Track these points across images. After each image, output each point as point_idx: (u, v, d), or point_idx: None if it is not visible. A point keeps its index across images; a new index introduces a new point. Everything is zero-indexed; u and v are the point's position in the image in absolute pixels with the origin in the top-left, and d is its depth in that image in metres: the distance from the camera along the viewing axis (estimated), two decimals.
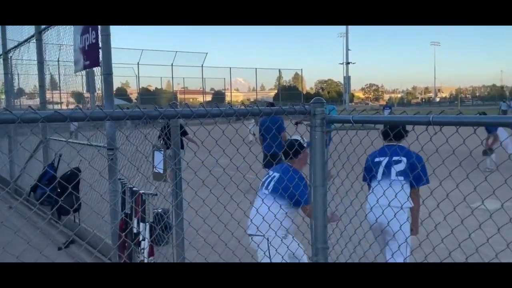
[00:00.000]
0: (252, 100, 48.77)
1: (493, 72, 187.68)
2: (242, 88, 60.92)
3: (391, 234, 3.17)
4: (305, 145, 3.37)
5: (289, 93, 52.57)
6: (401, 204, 3.12)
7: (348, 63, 39.47)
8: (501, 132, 9.67)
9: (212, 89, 54.07)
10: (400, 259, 3.25)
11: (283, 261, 3.03)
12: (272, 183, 3.31)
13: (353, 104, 76.57)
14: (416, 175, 3.40)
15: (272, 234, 2.95)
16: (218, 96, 50.21)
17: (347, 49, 39.88)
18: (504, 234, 2.07)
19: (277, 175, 3.34)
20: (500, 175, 1.83)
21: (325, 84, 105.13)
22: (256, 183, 3.61)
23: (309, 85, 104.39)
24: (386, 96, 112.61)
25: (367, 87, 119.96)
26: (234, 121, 3.11)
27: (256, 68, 47.56)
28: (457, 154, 2.05)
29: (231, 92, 50.17)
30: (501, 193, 2.17)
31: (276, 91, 54.31)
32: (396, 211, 2.79)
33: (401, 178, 3.45)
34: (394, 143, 3.65)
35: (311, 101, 2.57)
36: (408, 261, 3.32)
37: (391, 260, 3.28)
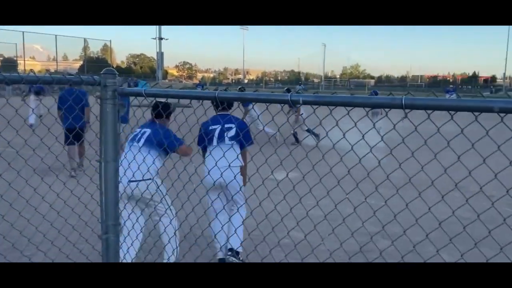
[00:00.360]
0: (52, 70, 43.36)
1: (292, 59, 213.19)
2: (40, 57, 53.35)
3: (229, 188, 3.85)
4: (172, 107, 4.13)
5: (96, 65, 48.51)
6: (235, 164, 3.69)
7: (161, 38, 38.84)
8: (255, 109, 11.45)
9: (0, 55, 45.93)
10: (241, 208, 3.96)
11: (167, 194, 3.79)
12: (145, 136, 3.88)
13: (167, 81, 76.36)
14: (243, 139, 4.04)
15: (156, 177, 3.72)
16: (9, 64, 42.86)
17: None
18: (290, 200, 2.36)
19: (148, 130, 3.93)
20: (287, 148, 2.07)
21: (137, 59, 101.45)
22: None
23: (120, 58, 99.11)
24: (200, 75, 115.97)
25: (181, 65, 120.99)
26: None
27: (56, 35, 42.37)
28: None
29: (24, 60, 43.53)
30: (288, 164, 2.47)
31: (81, 62, 49.66)
32: (232, 170, 3.38)
33: (233, 142, 4.04)
34: (224, 113, 4.25)
35: (102, 72, 2.43)
36: (245, 207, 4.03)
37: (234, 209, 3.97)
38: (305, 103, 2.01)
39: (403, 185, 1.96)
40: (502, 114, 1.64)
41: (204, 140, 4.11)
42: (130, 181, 3.52)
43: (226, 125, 4.12)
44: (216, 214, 3.73)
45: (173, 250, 3.77)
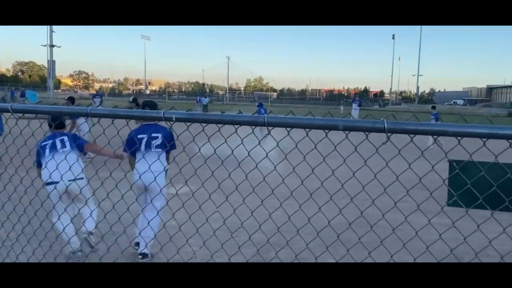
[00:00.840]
0: None
1: (197, 70, 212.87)
2: None
3: (154, 190, 4.36)
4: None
5: None
6: (160, 169, 4.37)
7: (52, 46, 36.13)
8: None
9: None
10: (160, 204, 4.42)
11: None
12: (67, 142, 4.64)
13: (60, 91, 70.99)
14: (169, 145, 4.57)
15: (82, 174, 4.54)
16: None
17: (51, 31, 36.48)
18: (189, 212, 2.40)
19: (65, 137, 4.69)
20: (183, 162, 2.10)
21: (25, 67, 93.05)
22: None
23: (5, 65, 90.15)
24: (97, 85, 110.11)
25: (76, 74, 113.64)
26: None
27: None
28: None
29: None
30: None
31: None
32: (157, 174, 3.94)
33: (159, 149, 4.62)
34: (151, 123, 4.72)
35: None
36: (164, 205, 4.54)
37: (152, 208, 4.36)
38: (178, 120, 2.09)
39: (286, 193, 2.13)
40: (346, 132, 1.90)
41: (132, 147, 4.61)
42: (70, 180, 4.25)
43: (153, 135, 4.67)
44: (142, 209, 4.42)
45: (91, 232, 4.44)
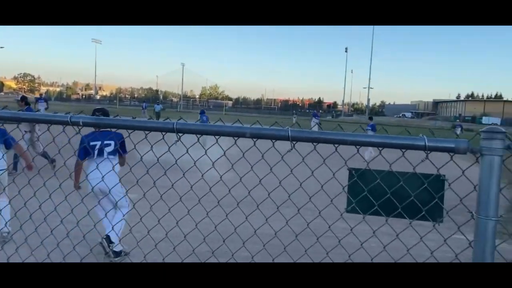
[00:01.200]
0: None
1: (150, 76, 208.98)
2: None
3: (112, 193, 4.25)
4: None
5: None
6: (114, 176, 4.22)
7: None
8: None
9: None
10: (125, 210, 4.56)
11: None
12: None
13: (3, 93, 67.12)
14: (122, 149, 4.67)
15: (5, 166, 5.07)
16: None
17: None
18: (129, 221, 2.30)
19: None
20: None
21: None
22: None
23: None
24: (44, 89, 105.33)
25: (20, 76, 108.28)
26: None
27: None
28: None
29: None
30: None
31: None
32: (112, 181, 3.93)
33: (112, 156, 4.71)
34: (103, 130, 4.65)
35: None
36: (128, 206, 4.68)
37: (115, 213, 4.51)
38: (86, 125, 2.04)
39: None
40: (254, 139, 1.92)
41: (85, 153, 4.67)
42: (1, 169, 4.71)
43: (105, 142, 4.71)
44: (105, 214, 4.41)
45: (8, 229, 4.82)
